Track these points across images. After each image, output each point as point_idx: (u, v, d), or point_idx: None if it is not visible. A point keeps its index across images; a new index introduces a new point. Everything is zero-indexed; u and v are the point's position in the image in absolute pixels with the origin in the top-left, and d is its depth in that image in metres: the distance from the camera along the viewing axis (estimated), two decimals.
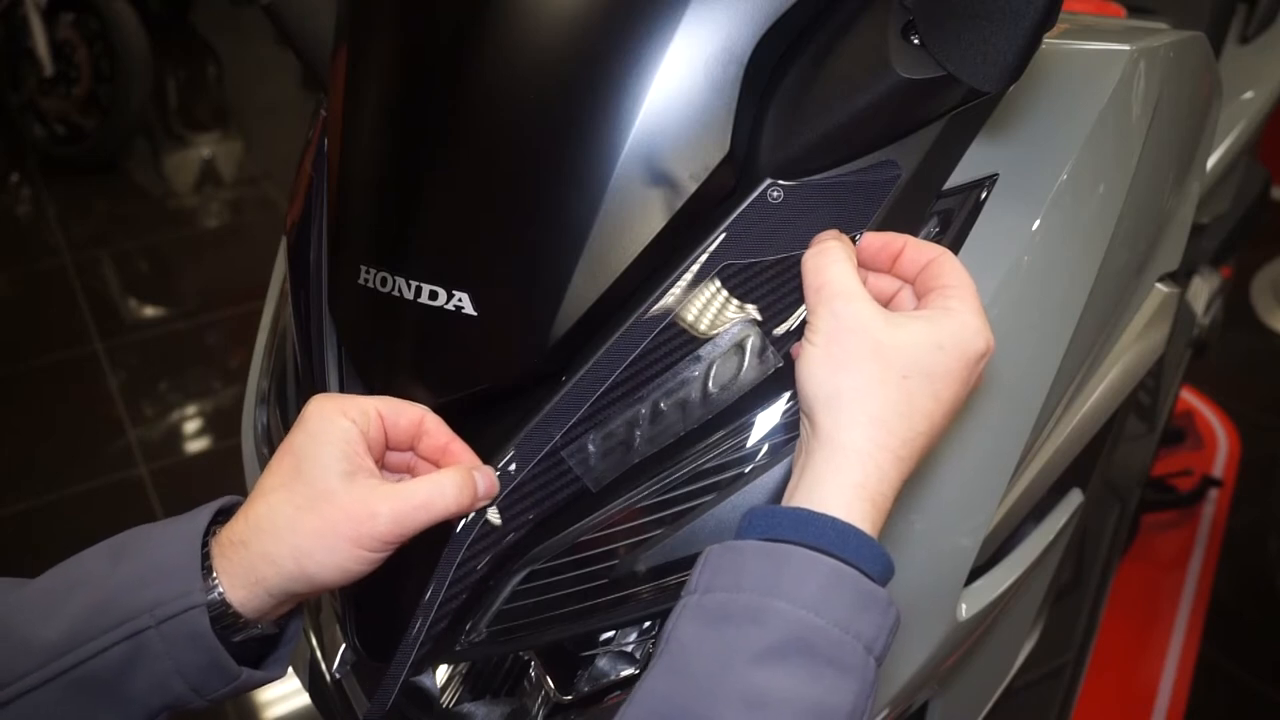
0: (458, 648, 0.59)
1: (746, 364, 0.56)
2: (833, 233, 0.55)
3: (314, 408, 0.54)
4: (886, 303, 0.53)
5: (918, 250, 0.53)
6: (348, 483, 0.51)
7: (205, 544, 0.51)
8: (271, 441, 0.74)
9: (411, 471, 0.57)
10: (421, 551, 0.59)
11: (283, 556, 0.50)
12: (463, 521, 0.58)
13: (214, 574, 0.50)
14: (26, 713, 0.49)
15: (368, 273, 0.60)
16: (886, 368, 0.48)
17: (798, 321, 0.56)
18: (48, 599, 0.50)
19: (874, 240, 0.54)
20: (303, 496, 0.51)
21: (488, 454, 0.57)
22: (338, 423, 0.53)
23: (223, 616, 0.51)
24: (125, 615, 0.49)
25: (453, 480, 0.53)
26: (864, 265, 0.54)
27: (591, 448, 0.56)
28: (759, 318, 0.56)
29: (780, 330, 0.56)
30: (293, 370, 0.71)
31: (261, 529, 0.51)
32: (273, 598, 0.51)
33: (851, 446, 0.48)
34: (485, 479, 0.55)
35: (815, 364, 0.49)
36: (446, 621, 0.58)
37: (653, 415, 0.56)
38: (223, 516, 0.54)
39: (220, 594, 0.50)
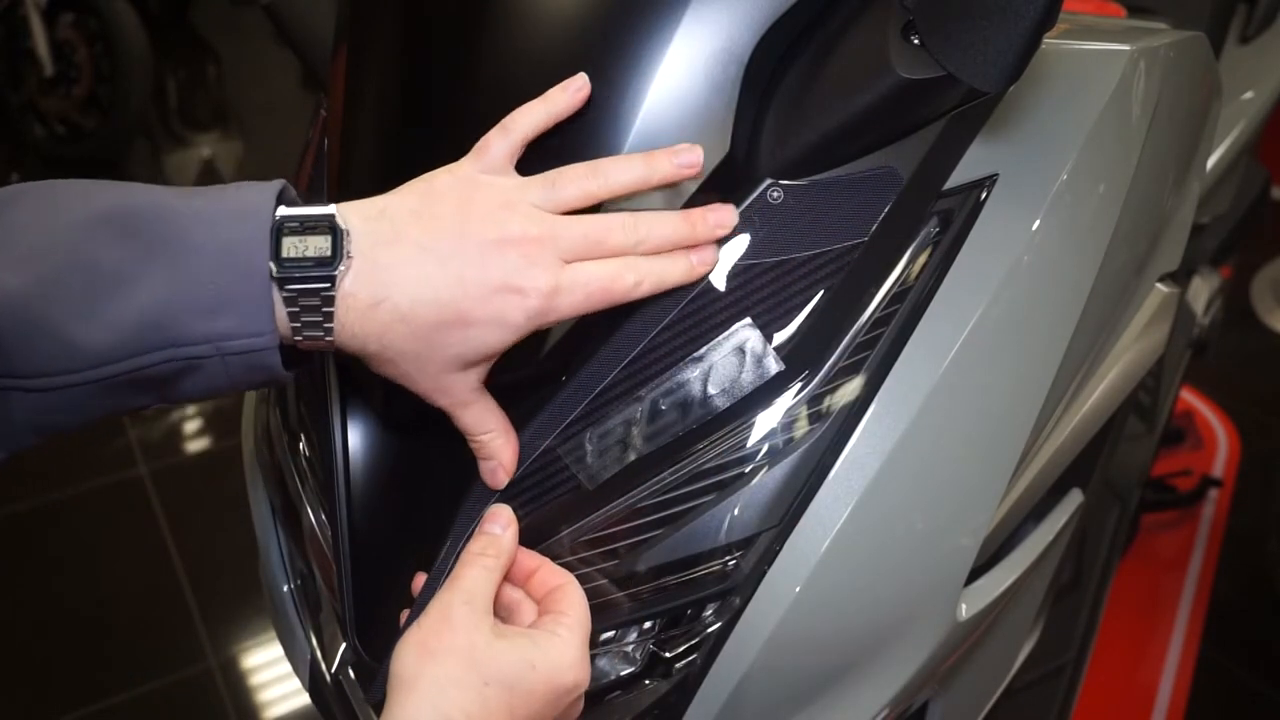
0: None
1: (746, 366, 0.56)
2: (500, 525, 0.55)
3: None
4: (507, 610, 0.54)
5: (549, 573, 0.55)
6: None
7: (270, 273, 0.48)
8: (271, 441, 0.74)
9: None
10: (422, 549, 0.59)
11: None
12: (460, 516, 0.58)
13: (299, 322, 0.49)
14: (61, 401, 0.48)
15: None
16: (471, 670, 0.48)
17: (799, 324, 0.56)
18: (70, 290, 0.46)
19: (519, 558, 0.55)
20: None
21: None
22: None
23: (295, 350, 0.50)
24: (184, 339, 0.47)
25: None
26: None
27: (588, 446, 0.56)
28: (759, 319, 0.56)
29: (780, 332, 0.56)
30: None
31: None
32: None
33: None
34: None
35: (410, 646, 0.49)
36: None
37: (651, 415, 0.56)
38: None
39: (303, 339, 0.49)
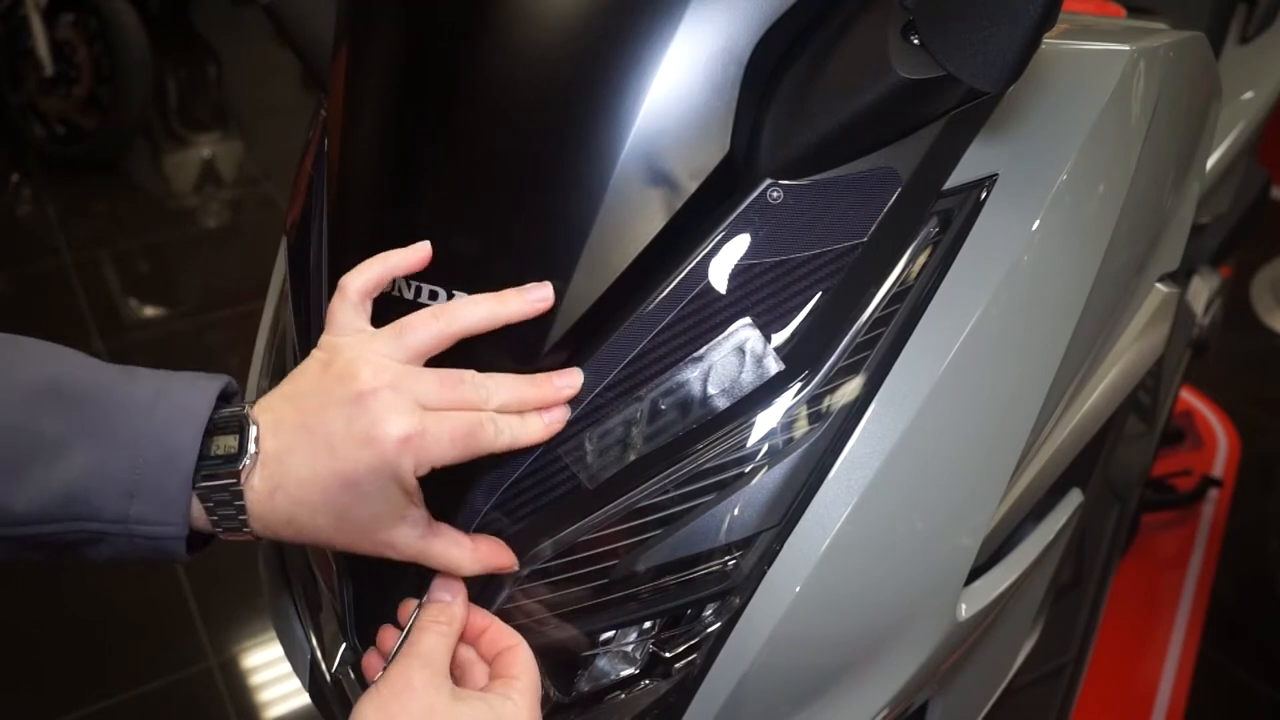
0: None
1: (746, 366, 0.56)
2: (450, 594, 0.56)
3: None
4: (460, 670, 0.55)
5: (499, 633, 0.56)
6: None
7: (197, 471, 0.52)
8: None
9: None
10: None
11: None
12: (460, 515, 0.58)
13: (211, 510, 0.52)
14: None
15: None
16: None
17: (798, 324, 0.56)
18: (4, 451, 0.49)
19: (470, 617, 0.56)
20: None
21: None
22: None
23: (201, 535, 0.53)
24: (100, 515, 0.50)
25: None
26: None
27: (588, 445, 0.57)
28: (759, 319, 0.56)
29: (780, 332, 0.56)
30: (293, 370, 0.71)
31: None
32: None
33: None
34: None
35: (370, 709, 0.50)
36: None
37: (651, 414, 0.56)
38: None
39: (224, 531, 0.53)
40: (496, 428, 0.54)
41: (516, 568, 0.57)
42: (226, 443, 0.52)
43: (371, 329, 0.56)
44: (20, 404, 0.50)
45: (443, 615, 0.55)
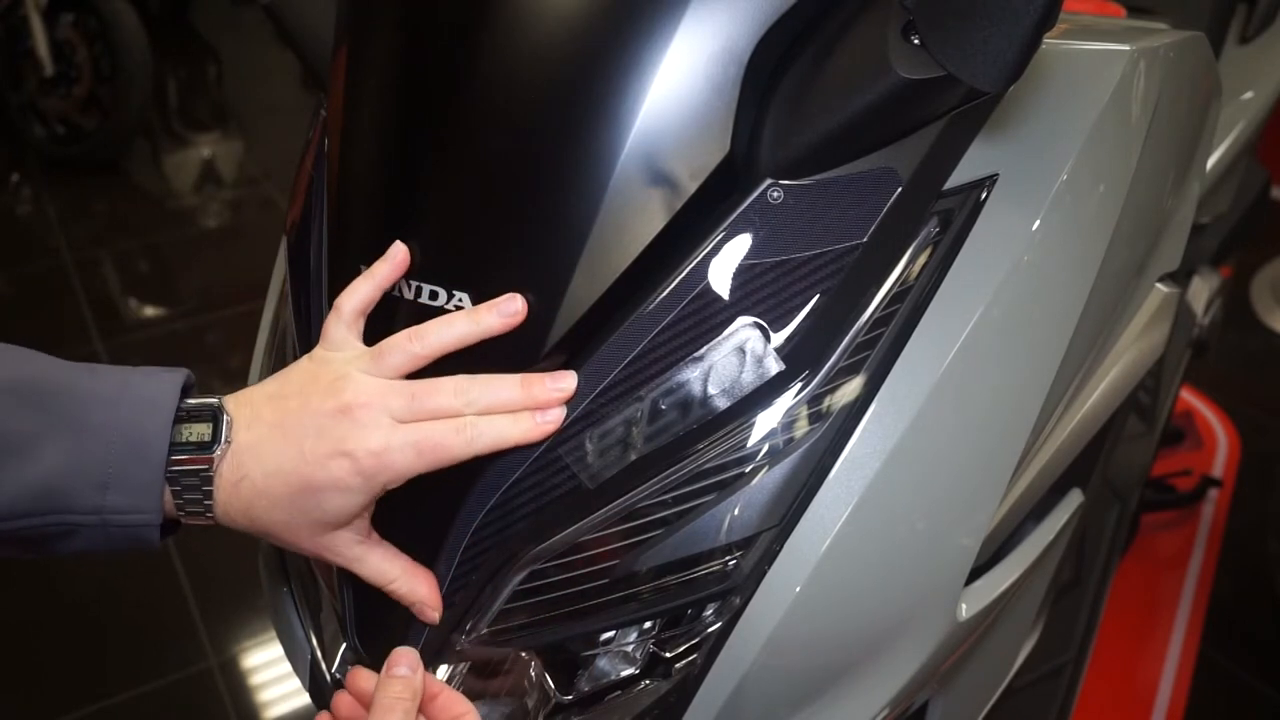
0: (458, 647, 0.59)
1: (746, 366, 0.56)
2: (409, 666, 0.56)
3: None
4: None
5: (450, 700, 0.57)
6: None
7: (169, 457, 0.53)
8: None
9: None
10: (421, 549, 0.59)
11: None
12: (460, 515, 0.58)
13: (180, 498, 0.54)
14: None
15: None
16: None
17: (799, 324, 0.56)
18: None
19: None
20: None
21: None
22: None
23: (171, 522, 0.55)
24: (75, 507, 0.52)
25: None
26: None
27: (589, 445, 0.57)
28: (759, 319, 0.56)
29: (780, 332, 0.56)
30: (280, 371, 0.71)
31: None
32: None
33: None
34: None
35: None
36: (447, 617, 0.58)
37: (651, 414, 0.56)
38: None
39: (187, 515, 0.55)
40: (475, 432, 0.55)
41: (438, 616, 0.58)
42: (199, 430, 0.54)
43: (361, 347, 0.58)
44: None
45: (406, 691, 0.56)
